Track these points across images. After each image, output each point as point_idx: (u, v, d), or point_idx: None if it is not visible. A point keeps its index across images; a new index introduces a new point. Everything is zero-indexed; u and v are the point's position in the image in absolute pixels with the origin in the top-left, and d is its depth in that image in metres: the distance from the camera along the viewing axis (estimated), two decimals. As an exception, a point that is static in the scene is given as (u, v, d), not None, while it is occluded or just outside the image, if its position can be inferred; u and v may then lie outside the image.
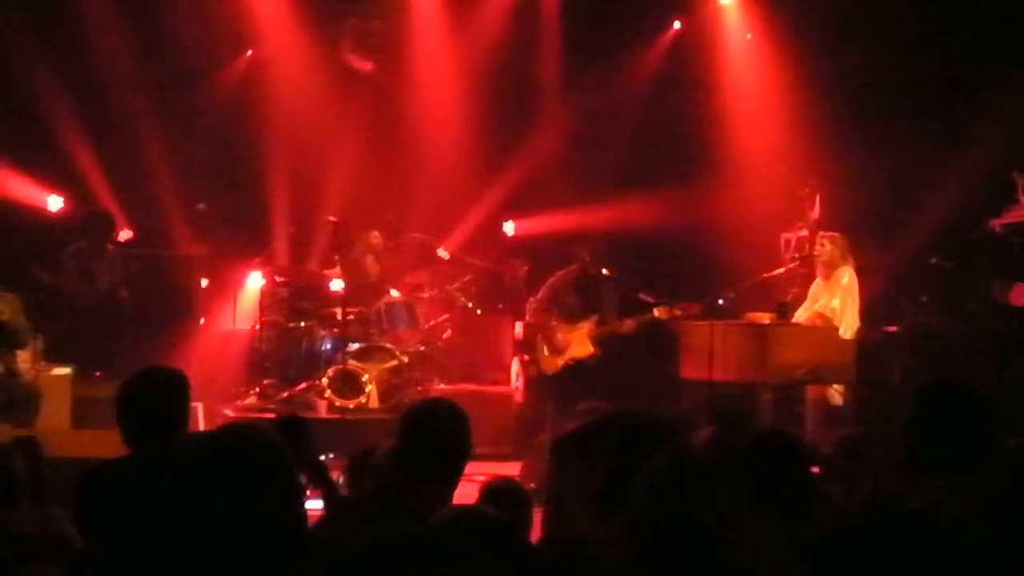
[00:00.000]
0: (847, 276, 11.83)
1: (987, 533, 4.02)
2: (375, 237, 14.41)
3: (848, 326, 11.72)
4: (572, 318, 12.15)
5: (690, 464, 4.14)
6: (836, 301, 11.80)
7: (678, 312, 12.19)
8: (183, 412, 5.60)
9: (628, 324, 12.18)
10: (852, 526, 3.69)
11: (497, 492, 5.57)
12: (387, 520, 4.93)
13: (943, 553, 3.61)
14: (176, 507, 3.63)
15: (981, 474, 4.56)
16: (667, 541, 3.84)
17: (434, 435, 5.30)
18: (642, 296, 12.26)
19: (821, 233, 12.25)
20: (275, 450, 3.66)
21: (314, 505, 5.61)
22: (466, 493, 5.61)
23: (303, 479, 5.42)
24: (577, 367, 12.01)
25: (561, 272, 12.37)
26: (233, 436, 3.72)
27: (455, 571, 3.26)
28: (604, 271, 12.26)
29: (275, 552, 3.57)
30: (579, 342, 12.07)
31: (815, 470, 7.10)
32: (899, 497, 5.10)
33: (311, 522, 4.94)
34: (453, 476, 5.34)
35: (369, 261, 14.37)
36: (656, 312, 12.16)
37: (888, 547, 3.60)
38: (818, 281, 12.07)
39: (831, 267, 11.92)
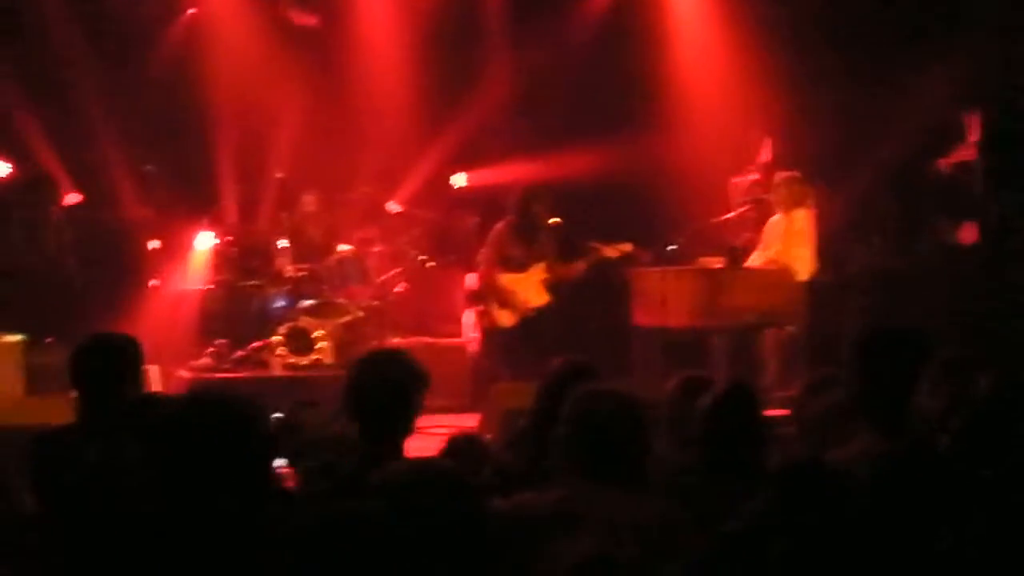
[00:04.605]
0: (801, 219, 11.85)
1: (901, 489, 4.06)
2: (309, 203, 14.36)
3: (803, 269, 11.74)
4: (520, 268, 12.13)
5: None
6: (793, 248, 11.81)
7: (627, 248, 12.19)
8: (136, 377, 5.60)
9: (578, 266, 12.16)
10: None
11: (458, 445, 5.60)
12: (337, 479, 4.93)
13: (848, 510, 3.71)
14: (149, 469, 3.67)
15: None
16: None
17: (380, 383, 5.28)
18: (593, 245, 12.25)
19: (777, 174, 12.27)
20: (241, 413, 3.69)
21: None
22: (425, 446, 5.61)
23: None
24: (531, 319, 12.01)
25: (499, 225, 12.32)
26: (201, 400, 3.76)
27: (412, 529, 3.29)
28: (551, 220, 12.22)
29: (238, 511, 3.61)
30: (532, 291, 12.06)
31: (783, 412, 7.19)
32: (828, 447, 5.18)
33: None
34: (405, 425, 5.32)
35: (309, 227, 14.30)
36: (605, 251, 12.16)
37: (798, 503, 3.73)
38: (775, 220, 12.06)
39: (787, 207, 11.93)
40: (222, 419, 3.67)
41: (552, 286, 12.11)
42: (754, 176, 13.14)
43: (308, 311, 13.18)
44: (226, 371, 12.94)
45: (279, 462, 5.54)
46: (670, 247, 12.35)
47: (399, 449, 5.22)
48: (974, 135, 13.10)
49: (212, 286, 13.94)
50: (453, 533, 3.61)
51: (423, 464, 4.02)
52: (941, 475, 4.04)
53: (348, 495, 4.14)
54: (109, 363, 5.53)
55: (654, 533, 4.40)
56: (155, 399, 5.80)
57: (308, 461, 5.45)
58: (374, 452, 5.03)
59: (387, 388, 5.25)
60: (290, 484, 5.36)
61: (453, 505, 3.65)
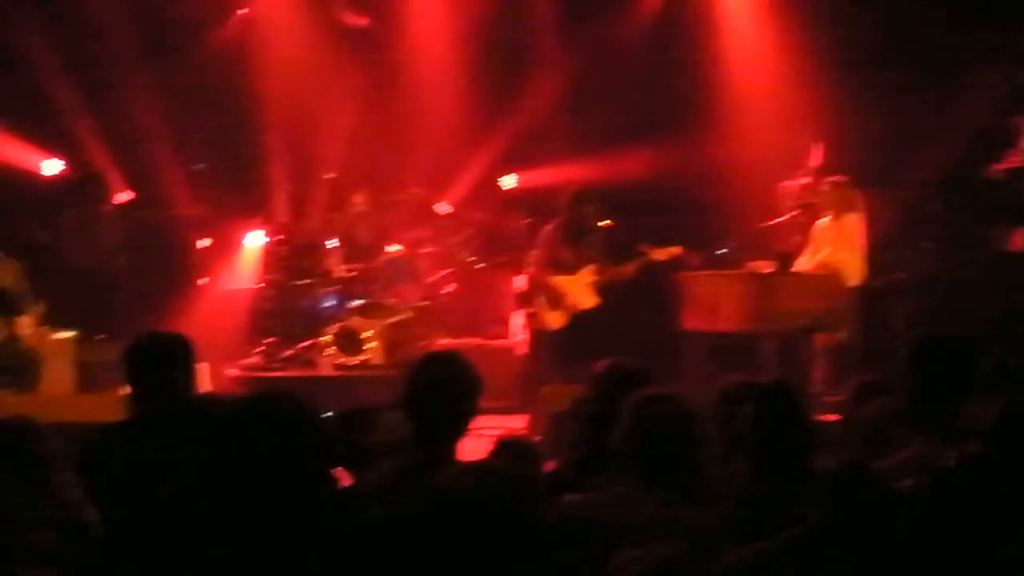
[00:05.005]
0: (851, 223, 11.80)
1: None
2: (359, 204, 14.35)
3: (853, 274, 11.69)
4: (570, 270, 12.13)
5: None
6: (842, 253, 11.76)
7: (677, 251, 12.16)
8: (189, 375, 5.61)
9: (629, 268, 12.15)
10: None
11: (509, 447, 5.59)
12: (402, 482, 4.92)
13: (899, 517, 3.70)
14: (202, 468, 3.69)
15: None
16: None
17: (439, 385, 5.27)
18: (642, 247, 12.23)
19: (827, 178, 12.22)
20: (303, 415, 3.71)
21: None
22: (474, 447, 5.61)
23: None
24: (580, 321, 12.00)
25: (549, 227, 12.33)
26: (265, 401, 3.78)
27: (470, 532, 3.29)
28: (602, 223, 12.20)
29: (294, 511, 3.63)
30: (582, 293, 12.06)
31: (832, 417, 7.17)
32: (878, 453, 5.16)
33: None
34: (460, 427, 5.32)
35: (359, 228, 14.31)
36: (655, 254, 12.13)
37: (849, 509, 3.73)
38: (823, 224, 12.01)
39: (836, 212, 11.89)
40: (280, 420, 3.68)
41: (601, 288, 12.10)
42: (805, 180, 13.07)
43: (357, 311, 13.22)
44: (275, 370, 12.99)
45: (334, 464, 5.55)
46: (720, 251, 12.31)
47: (453, 452, 5.21)
48: (1027, 140, 13.03)
49: (262, 285, 13.99)
50: (510, 536, 3.60)
51: (480, 467, 4.01)
52: (990, 482, 4.02)
53: (404, 497, 4.14)
54: (162, 361, 5.55)
55: (708, 538, 4.39)
56: (208, 399, 5.83)
57: (370, 463, 5.45)
58: (429, 455, 5.03)
59: (443, 392, 5.23)
60: (346, 485, 5.36)
61: (511, 508, 3.64)
